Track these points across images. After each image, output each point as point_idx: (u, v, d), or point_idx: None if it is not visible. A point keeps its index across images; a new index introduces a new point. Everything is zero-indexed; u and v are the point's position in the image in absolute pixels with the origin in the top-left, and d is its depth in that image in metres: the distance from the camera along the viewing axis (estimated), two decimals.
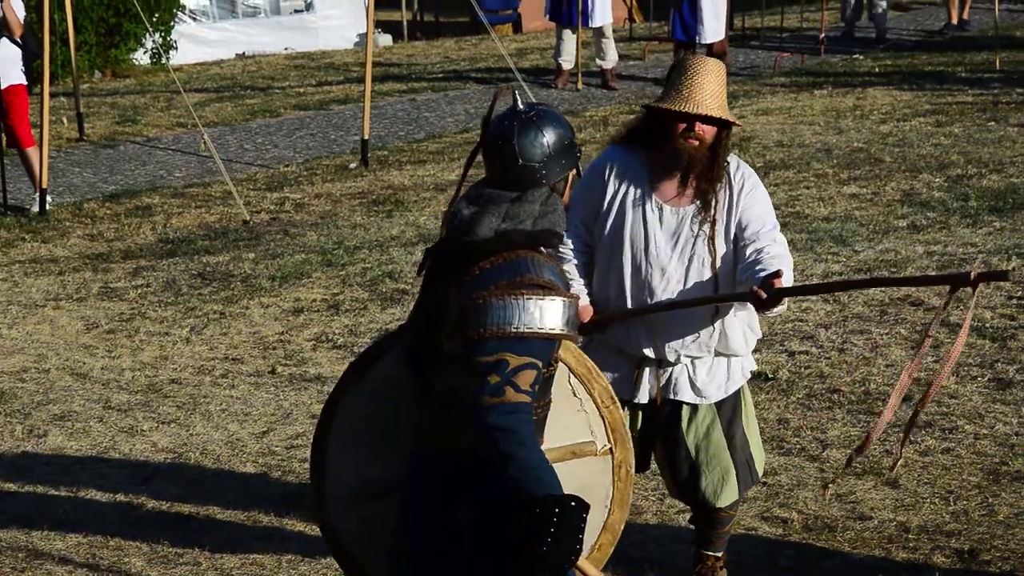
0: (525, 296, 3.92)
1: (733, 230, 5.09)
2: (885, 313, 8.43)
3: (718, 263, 5.09)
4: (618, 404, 4.46)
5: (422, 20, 23.94)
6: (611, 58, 16.51)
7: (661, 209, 5.10)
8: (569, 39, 16.26)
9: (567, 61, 16.42)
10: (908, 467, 6.49)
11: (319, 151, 14.39)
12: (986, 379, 7.39)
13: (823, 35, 18.17)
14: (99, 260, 10.92)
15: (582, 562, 3.86)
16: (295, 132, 15.32)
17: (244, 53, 20.70)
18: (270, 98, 17.15)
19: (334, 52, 20.59)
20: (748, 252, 5.06)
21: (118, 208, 12.45)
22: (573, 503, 3.77)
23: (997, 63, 16.16)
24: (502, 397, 3.85)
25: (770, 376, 7.61)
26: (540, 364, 3.93)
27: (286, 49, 20.89)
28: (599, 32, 16.25)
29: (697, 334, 5.15)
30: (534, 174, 4.07)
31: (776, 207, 10.67)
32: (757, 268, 4.95)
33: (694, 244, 5.08)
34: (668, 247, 5.09)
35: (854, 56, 17.66)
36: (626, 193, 5.13)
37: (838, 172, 11.86)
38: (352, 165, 13.47)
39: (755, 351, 7.85)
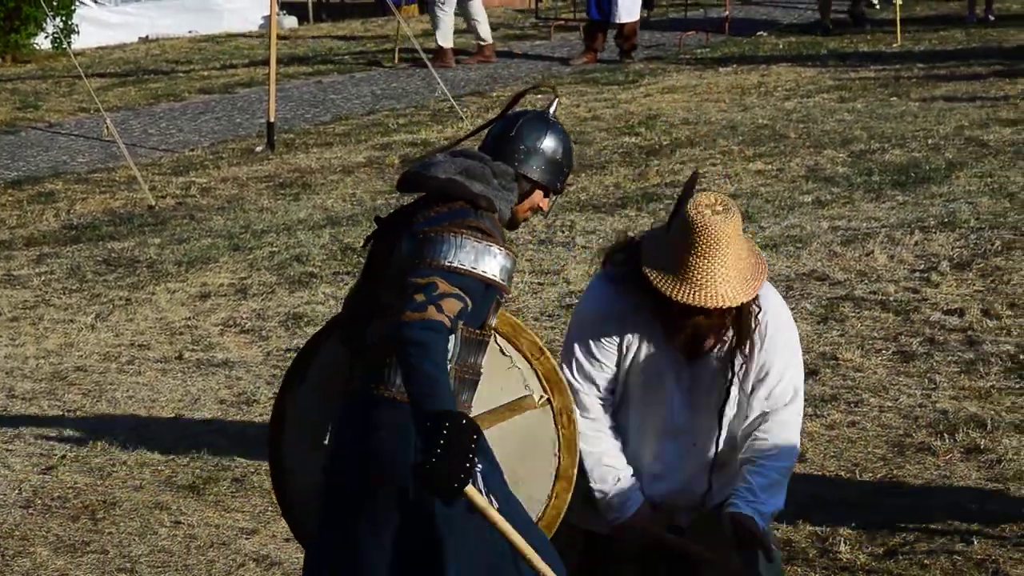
0: (464, 235, 4.03)
1: (752, 380, 4.39)
2: (791, 288, 8.50)
3: (739, 418, 4.43)
4: (548, 354, 4.42)
5: (327, 1, 23.81)
6: (480, 32, 16.60)
7: (679, 361, 4.39)
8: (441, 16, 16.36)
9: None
10: (814, 441, 6.55)
11: (224, 135, 14.28)
12: (890, 352, 7.47)
13: (727, 13, 18.27)
14: (1, 248, 10.77)
15: (471, 491, 3.82)
16: (200, 116, 15.19)
17: (147, 36, 20.49)
18: (174, 82, 17.00)
19: (238, 35, 20.44)
20: (749, 436, 4.42)
21: (20, 195, 12.29)
22: (463, 421, 3.79)
23: (898, 39, 16.32)
24: (423, 313, 3.89)
25: None
26: (468, 302, 3.99)
27: (190, 32, 20.71)
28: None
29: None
30: (515, 152, 4.23)
31: (682, 184, 10.84)
32: (738, 490, 4.35)
33: (721, 397, 4.38)
34: (689, 401, 4.41)
35: (758, 34, 17.77)
36: (640, 345, 4.41)
37: (743, 149, 11.94)
38: (258, 148, 13.38)
39: None
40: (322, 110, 15.11)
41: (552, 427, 4.40)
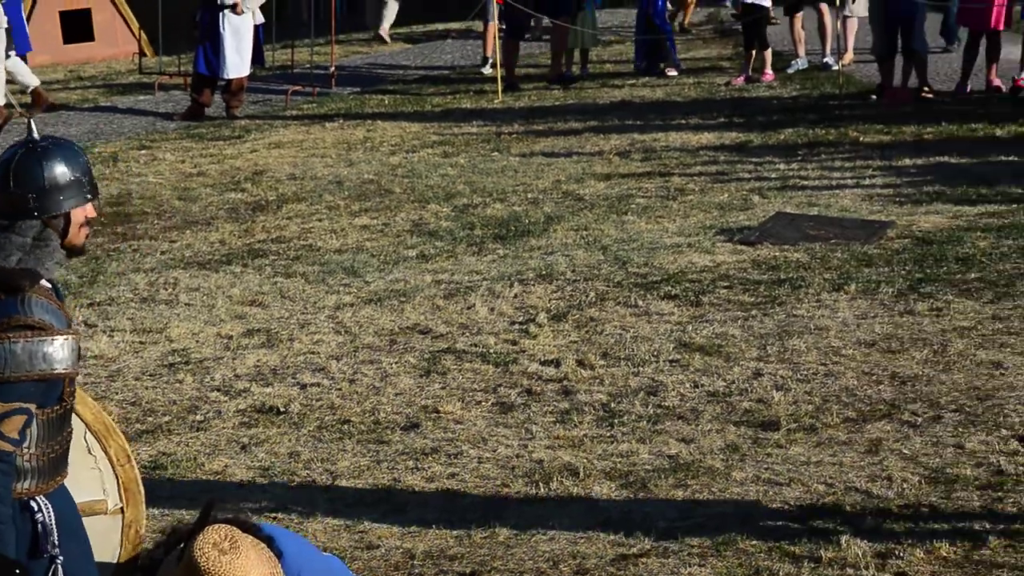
0: (12, 340, 3.80)
1: None
2: (395, 343, 8.59)
3: None
4: (133, 463, 4.33)
5: None
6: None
7: None
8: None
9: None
10: (416, 495, 6.62)
11: None
12: (489, 403, 7.63)
13: (333, 69, 18.40)
14: None
15: None
16: None
17: None
18: None
19: None
20: None
21: None
22: (17, 571, 3.68)
23: (499, 95, 16.75)
24: None
25: (281, 410, 7.63)
26: (32, 407, 3.82)
27: None
28: None
29: None
30: (25, 203, 3.96)
31: (288, 240, 10.88)
32: None
33: None
34: None
35: (363, 91, 17.97)
36: None
37: (350, 204, 12.03)
38: None
39: (267, 385, 7.95)
40: None
41: (119, 537, 4.34)
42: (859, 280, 9.14)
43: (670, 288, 9.22)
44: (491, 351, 8.36)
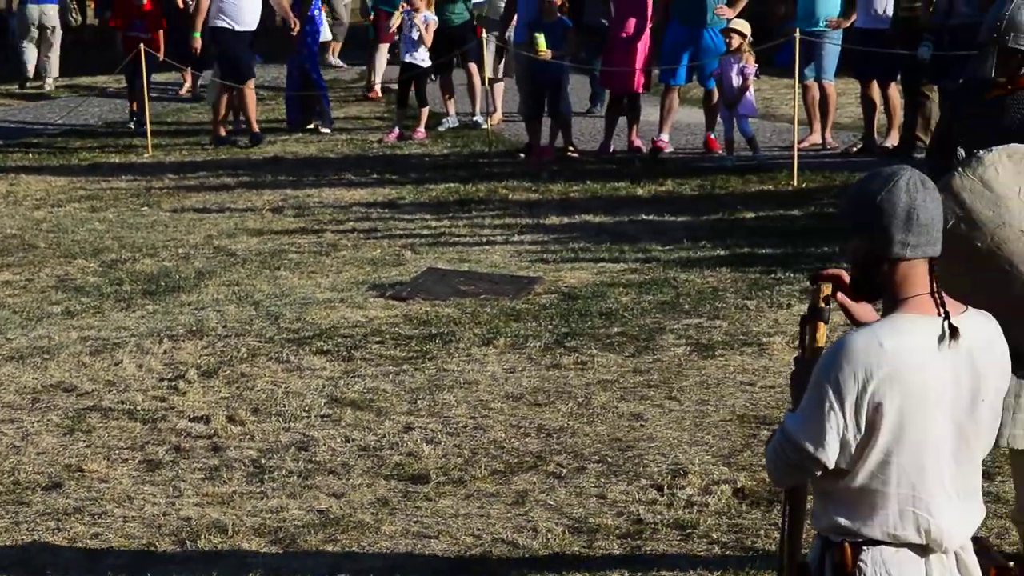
0: None
1: None
2: (37, 400, 8.38)
3: None
4: None
5: None
6: None
7: None
8: None
9: None
10: (56, 556, 6.45)
11: None
12: (137, 461, 7.49)
13: None
14: None
15: None
16: None
17: None
18: None
19: None
20: None
21: None
22: None
23: (149, 149, 16.50)
24: None
25: None
26: None
27: None
28: None
29: None
30: None
31: None
32: None
33: None
34: None
35: (5, 144, 17.49)
36: None
37: None
38: None
39: None
40: None
41: None
42: (508, 335, 9.33)
43: (322, 343, 9.23)
44: (139, 408, 8.21)
